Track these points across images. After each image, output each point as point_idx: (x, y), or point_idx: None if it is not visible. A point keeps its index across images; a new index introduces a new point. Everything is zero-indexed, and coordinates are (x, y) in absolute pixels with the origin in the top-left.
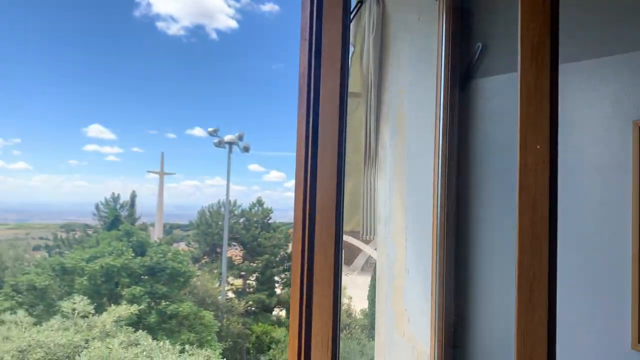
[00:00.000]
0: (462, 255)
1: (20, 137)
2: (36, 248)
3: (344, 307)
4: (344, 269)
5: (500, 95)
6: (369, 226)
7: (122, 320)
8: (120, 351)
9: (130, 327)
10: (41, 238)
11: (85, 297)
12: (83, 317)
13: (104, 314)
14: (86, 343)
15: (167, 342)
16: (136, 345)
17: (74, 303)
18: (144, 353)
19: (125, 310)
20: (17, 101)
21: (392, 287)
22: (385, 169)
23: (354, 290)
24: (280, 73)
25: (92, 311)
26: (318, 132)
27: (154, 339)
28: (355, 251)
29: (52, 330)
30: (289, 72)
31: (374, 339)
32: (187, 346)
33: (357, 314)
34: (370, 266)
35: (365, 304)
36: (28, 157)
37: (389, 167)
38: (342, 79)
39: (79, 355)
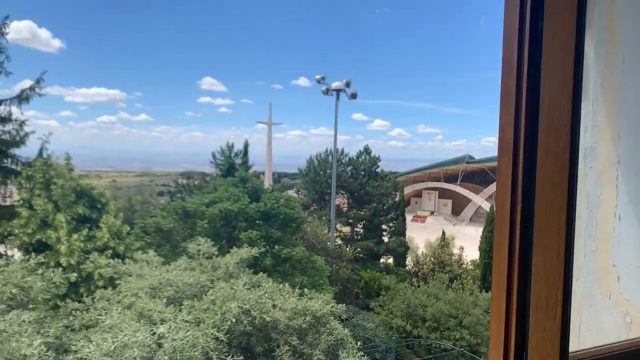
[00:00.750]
0: None
1: (141, 90)
2: (160, 193)
3: (454, 258)
4: (451, 218)
5: None
6: None
7: (243, 262)
8: (244, 292)
9: (249, 269)
10: (164, 184)
11: (209, 240)
12: (207, 258)
13: (227, 255)
14: (211, 283)
15: (287, 285)
16: (258, 286)
17: (199, 245)
18: (266, 295)
19: (246, 252)
20: (137, 56)
21: (594, 237)
22: (586, 86)
23: (463, 241)
24: (385, 17)
25: (216, 253)
26: (541, 22)
27: (273, 281)
28: (464, 201)
29: (179, 269)
30: (394, 15)
31: (487, 291)
32: (305, 290)
33: (468, 265)
34: (480, 217)
35: (476, 255)
36: (149, 109)
37: (593, 83)
38: None
39: (205, 294)
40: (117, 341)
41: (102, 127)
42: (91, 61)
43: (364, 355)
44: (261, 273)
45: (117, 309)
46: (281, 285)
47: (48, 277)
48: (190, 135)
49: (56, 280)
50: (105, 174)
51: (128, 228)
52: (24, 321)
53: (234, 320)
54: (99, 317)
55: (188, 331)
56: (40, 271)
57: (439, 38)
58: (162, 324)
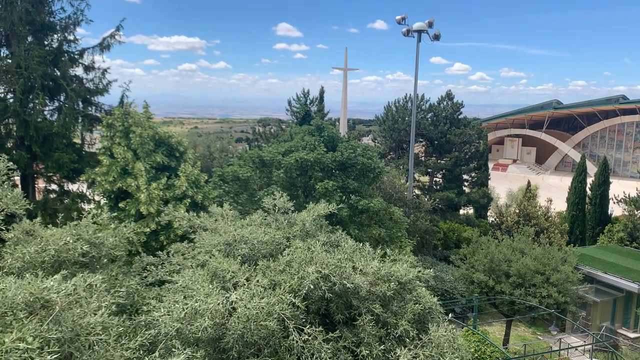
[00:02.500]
0: None
1: (219, 38)
2: (238, 140)
3: (540, 210)
4: (535, 167)
5: None
6: None
7: (320, 218)
8: (323, 254)
9: (325, 221)
10: (242, 131)
11: (284, 193)
12: (283, 213)
13: (304, 212)
14: (287, 241)
15: (367, 245)
16: (337, 246)
17: (274, 199)
18: (345, 256)
19: (323, 208)
20: (213, 2)
21: None
22: None
23: (547, 191)
24: None
25: (292, 208)
26: None
27: (351, 236)
28: (549, 148)
29: (255, 225)
30: None
31: (574, 245)
32: (388, 251)
33: (554, 218)
34: (566, 165)
35: (562, 206)
36: (227, 57)
37: None
38: None
39: (281, 254)
40: (187, 307)
41: (184, 74)
42: (170, 9)
43: (455, 328)
44: (339, 230)
45: (191, 265)
46: (361, 244)
47: (120, 233)
48: (266, 82)
49: (129, 236)
50: (188, 121)
51: (206, 176)
52: (90, 285)
53: (312, 286)
54: (171, 277)
55: (263, 298)
56: (112, 226)
57: None
58: (235, 289)
